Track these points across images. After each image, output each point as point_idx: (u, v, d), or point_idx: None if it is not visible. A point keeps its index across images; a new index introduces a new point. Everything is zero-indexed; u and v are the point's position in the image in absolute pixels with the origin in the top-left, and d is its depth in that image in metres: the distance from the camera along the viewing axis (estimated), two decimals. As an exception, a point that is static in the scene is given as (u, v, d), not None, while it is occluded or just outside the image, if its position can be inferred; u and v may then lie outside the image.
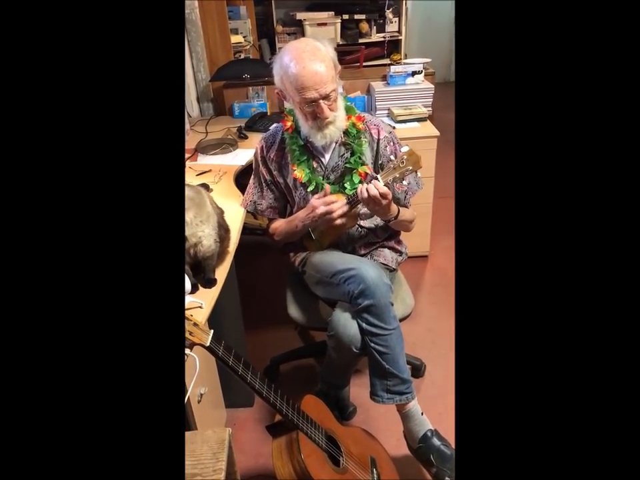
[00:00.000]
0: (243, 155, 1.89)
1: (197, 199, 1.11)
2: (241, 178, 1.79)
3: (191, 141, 2.06)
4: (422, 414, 1.29)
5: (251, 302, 2.02)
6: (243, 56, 2.87)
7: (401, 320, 1.37)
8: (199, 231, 1.09)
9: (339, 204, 1.28)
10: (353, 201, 1.28)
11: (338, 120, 1.28)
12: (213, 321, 1.16)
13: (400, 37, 3.69)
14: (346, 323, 1.25)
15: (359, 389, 1.60)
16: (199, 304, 1.04)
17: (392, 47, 3.74)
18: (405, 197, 1.43)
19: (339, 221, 1.28)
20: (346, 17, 3.65)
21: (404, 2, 3.63)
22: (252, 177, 1.49)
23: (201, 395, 1.23)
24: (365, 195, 1.22)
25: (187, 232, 1.07)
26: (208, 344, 0.93)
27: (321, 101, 1.22)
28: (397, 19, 3.68)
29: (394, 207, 1.32)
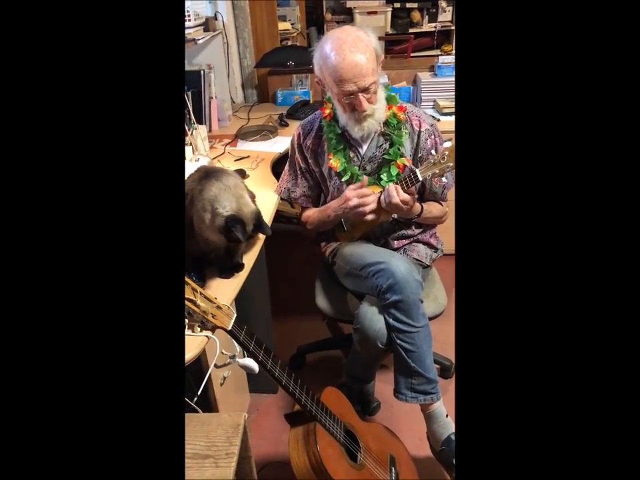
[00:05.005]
0: (281, 143, 1.88)
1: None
2: (278, 165, 1.78)
3: (232, 127, 2.08)
4: (447, 416, 1.25)
5: (282, 290, 2.02)
6: (290, 43, 2.85)
7: (432, 318, 1.33)
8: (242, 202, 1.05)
9: (372, 198, 1.24)
10: None
11: (377, 112, 1.24)
12: (240, 306, 1.16)
13: (452, 27, 3.56)
14: (372, 318, 1.22)
15: (384, 385, 1.57)
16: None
17: (443, 38, 3.62)
18: (442, 191, 1.38)
19: (369, 217, 1.25)
20: (397, 5, 3.56)
21: (459, -9, 3.50)
22: (287, 163, 1.48)
23: (224, 377, 1.24)
24: (387, 201, 1.21)
25: (231, 206, 1.04)
26: (230, 327, 0.93)
27: (360, 94, 1.18)
28: (450, 8, 3.56)
29: (416, 207, 1.30)
